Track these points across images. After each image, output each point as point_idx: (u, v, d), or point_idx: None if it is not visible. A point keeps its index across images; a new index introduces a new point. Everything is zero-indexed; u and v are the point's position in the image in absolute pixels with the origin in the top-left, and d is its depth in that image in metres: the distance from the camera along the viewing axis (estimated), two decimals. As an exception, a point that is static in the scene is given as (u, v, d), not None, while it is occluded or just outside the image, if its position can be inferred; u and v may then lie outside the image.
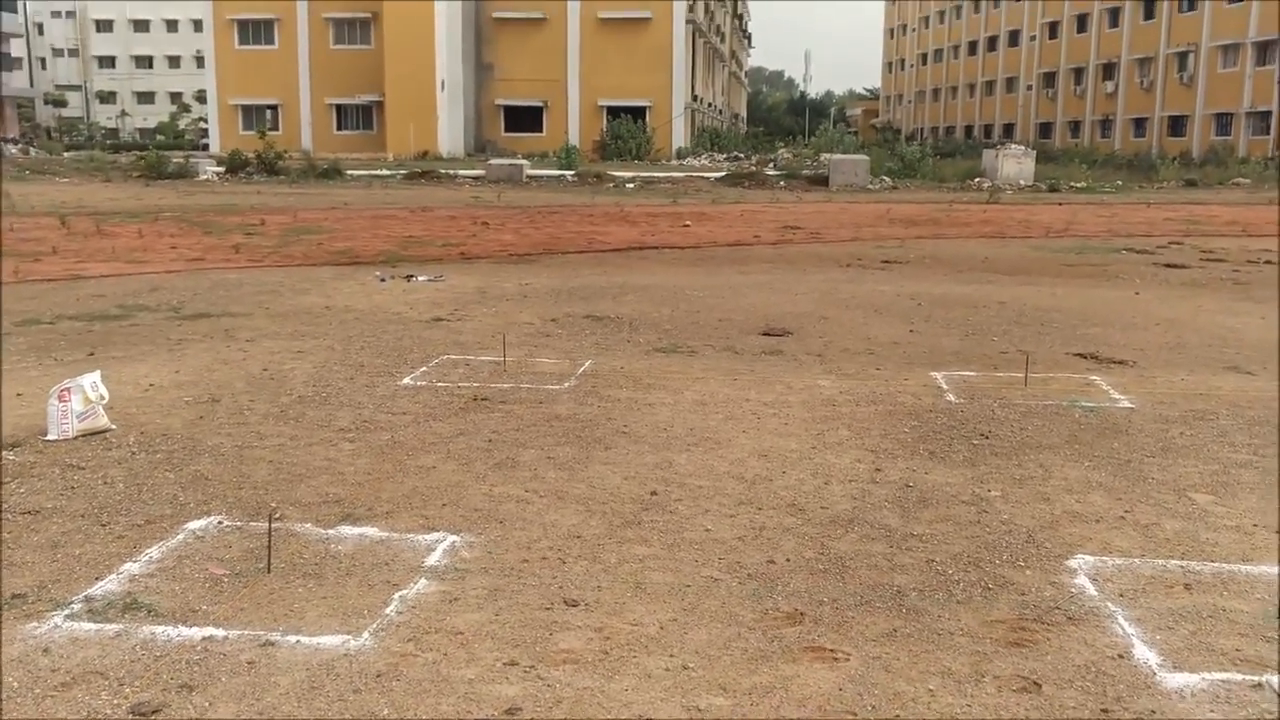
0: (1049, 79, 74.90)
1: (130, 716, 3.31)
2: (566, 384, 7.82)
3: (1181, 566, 4.55)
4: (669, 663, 3.69)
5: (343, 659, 3.69)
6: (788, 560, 4.59)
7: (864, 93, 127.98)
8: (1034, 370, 8.18)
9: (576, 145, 48.75)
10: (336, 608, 4.09)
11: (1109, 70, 67.57)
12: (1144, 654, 3.78)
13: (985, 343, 9.59)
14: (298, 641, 3.80)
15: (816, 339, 9.68)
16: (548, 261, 16.01)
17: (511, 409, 7.07)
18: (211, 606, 4.09)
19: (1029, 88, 77.24)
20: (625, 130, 53.63)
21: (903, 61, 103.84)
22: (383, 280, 13.40)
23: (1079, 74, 71.31)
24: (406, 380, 7.90)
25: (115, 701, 3.40)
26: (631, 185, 35.32)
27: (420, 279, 13.55)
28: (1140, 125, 64.37)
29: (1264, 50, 54.77)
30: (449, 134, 55.47)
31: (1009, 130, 76.28)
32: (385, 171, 39.94)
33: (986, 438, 6.46)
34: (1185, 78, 59.96)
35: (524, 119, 58.58)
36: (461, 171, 38.91)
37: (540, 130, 57.86)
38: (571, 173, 39.04)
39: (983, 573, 4.48)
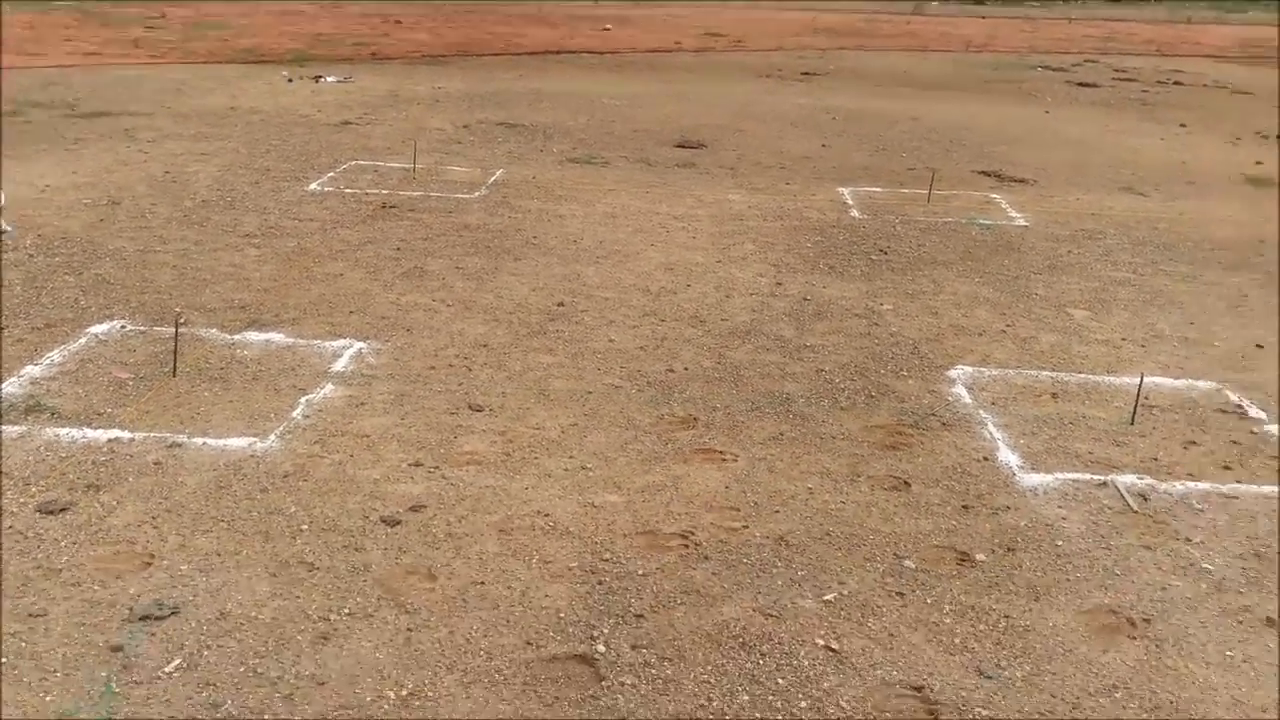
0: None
1: (37, 514, 3.42)
2: (477, 193, 7.82)
3: (1052, 377, 4.83)
4: (568, 464, 3.89)
5: (249, 460, 3.82)
6: (686, 369, 4.78)
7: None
8: (938, 187, 8.34)
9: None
10: (243, 411, 4.20)
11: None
12: (1006, 457, 4.06)
13: (894, 159, 9.71)
14: (204, 444, 3.92)
15: (730, 152, 9.72)
16: (462, 64, 15.64)
17: (420, 217, 7.08)
18: (116, 409, 4.17)
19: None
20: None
21: None
22: (290, 81, 13.02)
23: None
24: (313, 186, 7.84)
25: (21, 500, 3.51)
26: (552, -16, 34.13)
27: (329, 80, 13.20)
28: (1070, -65, 63.28)
29: None
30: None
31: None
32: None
33: (885, 253, 6.66)
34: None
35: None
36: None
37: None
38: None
39: (868, 381, 4.72)
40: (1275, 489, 3.87)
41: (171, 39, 17.02)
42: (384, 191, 7.72)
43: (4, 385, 4.31)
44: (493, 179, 8.29)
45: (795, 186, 8.46)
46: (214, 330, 4.97)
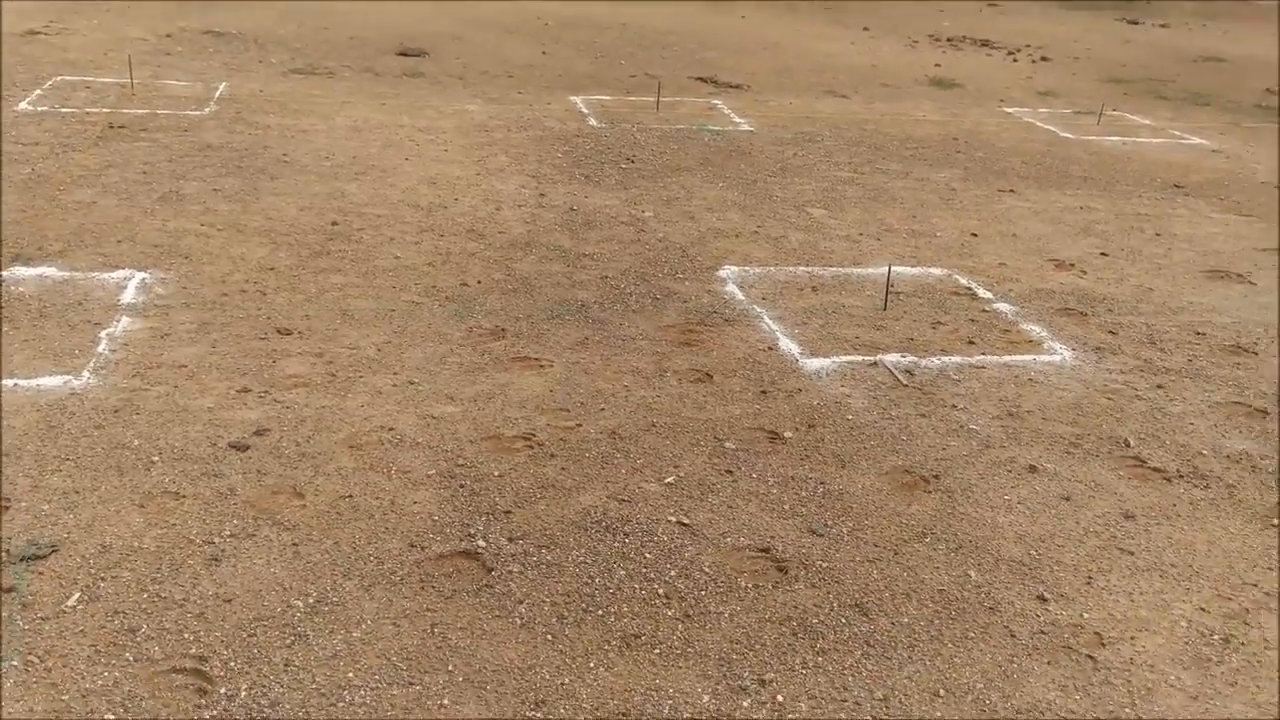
0: None
1: None
2: (207, 109, 7.56)
3: (808, 272, 5.38)
4: (395, 380, 4.05)
5: (72, 398, 3.76)
6: (479, 282, 4.99)
7: None
8: (662, 95, 8.76)
9: None
10: (44, 350, 4.08)
11: None
12: (788, 345, 4.56)
13: (614, 66, 10.06)
14: (15, 385, 3.81)
15: (454, 60, 9.76)
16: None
17: (156, 138, 6.81)
18: (-98, 356, 3.96)
19: None
20: None
21: None
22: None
23: None
24: (24, 105, 7.34)
25: None
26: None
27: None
28: None
29: None
30: None
31: None
32: None
33: (632, 161, 7.02)
34: None
35: None
36: None
37: None
38: None
39: (650, 285, 5.09)
40: (1012, 358, 4.55)
41: None
42: (105, 110, 7.34)
43: None
44: (218, 93, 8.02)
45: (528, 96, 8.65)
46: (-24, 267, 4.71)
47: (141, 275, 4.78)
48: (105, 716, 2.48)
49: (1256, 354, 4.78)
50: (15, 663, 2.60)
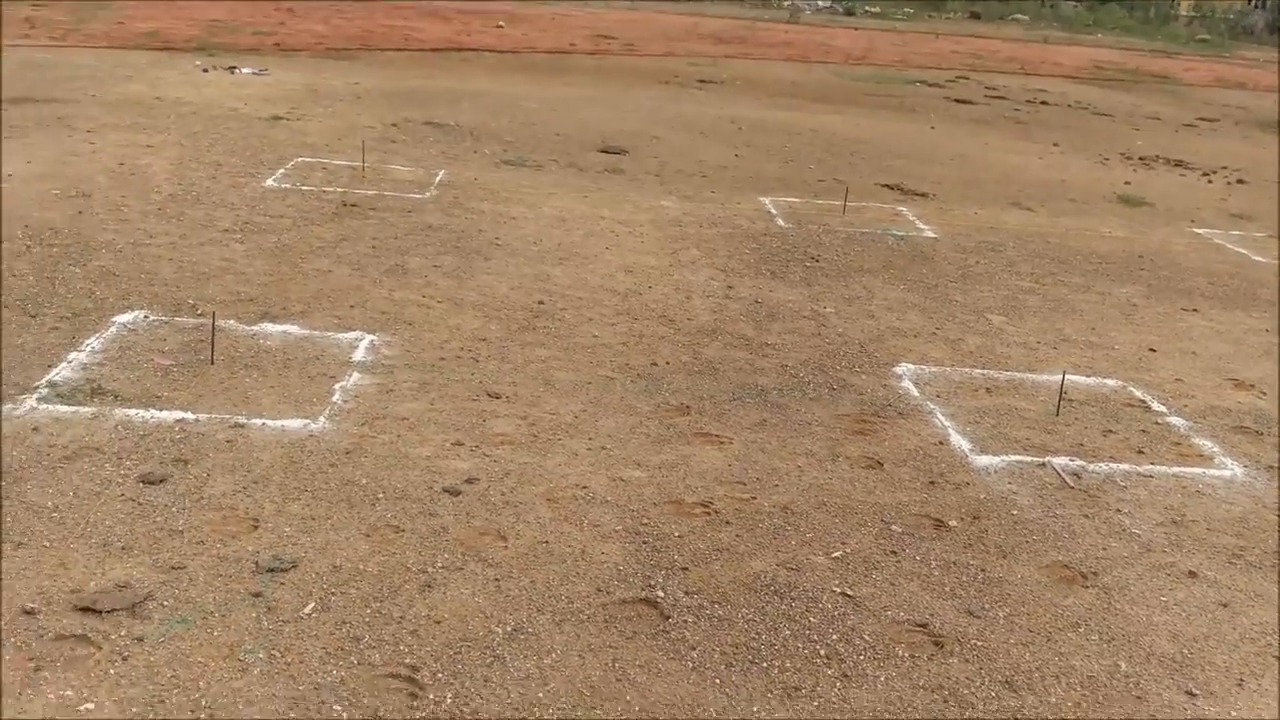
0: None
1: (141, 484, 3.83)
2: (428, 193, 8.26)
3: (983, 374, 5.59)
4: (589, 444, 4.45)
5: (310, 439, 4.28)
6: (667, 363, 5.38)
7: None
8: (849, 200, 9.11)
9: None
10: (287, 396, 4.64)
11: (905, -109, 68.37)
12: (958, 441, 4.78)
13: (804, 170, 10.47)
14: (264, 424, 4.36)
15: (651, 159, 10.34)
16: (368, 59, 15.90)
17: (384, 216, 7.50)
18: (172, 393, 4.57)
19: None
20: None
21: None
22: (205, 71, 13.15)
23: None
24: (270, 182, 8.17)
25: (121, 472, 3.91)
26: (434, -23, 34.24)
27: (245, 71, 13.36)
28: (930, -50, 65.86)
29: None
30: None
31: (806, -56, 76.56)
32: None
33: (817, 260, 7.37)
34: (976, -94, 61.45)
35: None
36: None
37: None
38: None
39: (828, 376, 5.39)
40: (1181, 470, 4.67)
41: (64, 19, 16.83)
42: (339, 189, 8.11)
43: (57, 371, 4.65)
44: (438, 179, 8.74)
45: (720, 195, 9.12)
46: (232, 321, 5.35)
47: (370, 337, 5.35)
48: (333, 706, 2.89)
49: None
50: (260, 654, 3.04)
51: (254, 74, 13.28)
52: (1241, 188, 11.75)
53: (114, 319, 5.28)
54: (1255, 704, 3.20)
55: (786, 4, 34.80)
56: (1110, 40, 35.16)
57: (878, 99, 16.24)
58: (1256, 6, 49.98)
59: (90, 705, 2.81)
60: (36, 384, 4.53)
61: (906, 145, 12.38)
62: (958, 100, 16.81)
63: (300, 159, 9.00)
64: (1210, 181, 11.88)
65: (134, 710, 2.80)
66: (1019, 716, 3.07)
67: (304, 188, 8.08)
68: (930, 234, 8.36)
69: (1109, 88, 20.81)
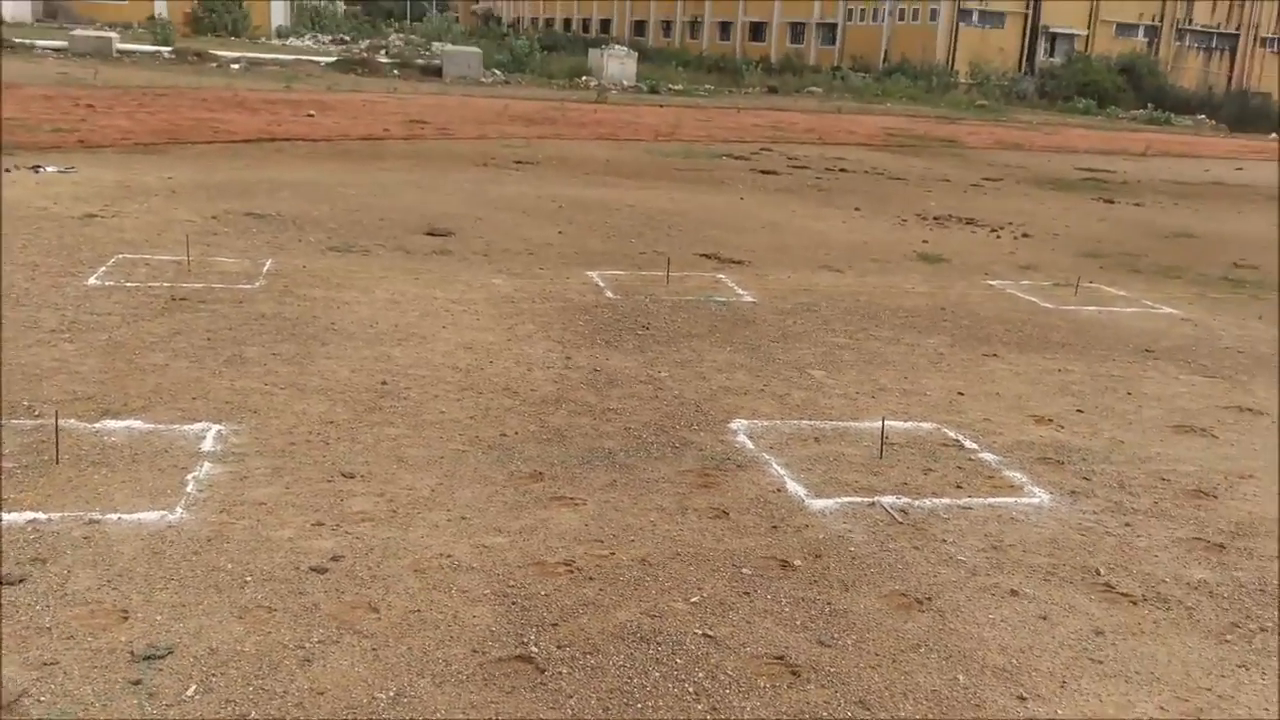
0: (643, -22, 77.93)
1: (2, 586, 3.79)
2: (257, 284, 8.27)
3: (810, 425, 5.96)
4: (449, 515, 4.59)
5: (169, 529, 4.29)
6: (516, 433, 5.57)
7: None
8: (671, 270, 9.51)
9: (167, 17, 45.70)
10: (139, 490, 4.63)
11: (698, -26, 71.33)
12: (795, 488, 5.11)
13: (625, 244, 10.87)
14: (119, 518, 4.35)
15: (477, 239, 10.56)
16: (178, 152, 15.71)
17: (215, 308, 7.49)
18: (19, 494, 4.50)
19: (625, -14, 79.97)
20: (221, 4, 50.71)
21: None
22: (7, 171, 12.77)
23: (670, -24, 74.72)
24: (92, 280, 8.04)
25: (-25, 576, 3.85)
26: (237, 67, 33.94)
27: (49, 169, 13.05)
28: (725, 29, 68.71)
29: (831, -33, 60.03)
30: (13, -4, 49.99)
31: (606, 26, 78.76)
32: (-58, 38, 35.74)
33: (647, 329, 7.69)
34: (764, -13, 64.61)
35: (102, -15, 53.81)
36: (40, 42, 35.60)
37: (122, -2, 53.46)
38: (169, 49, 36.84)
39: (669, 436, 5.67)
40: (995, 500, 5.11)
41: None
42: (166, 284, 8.05)
43: (-109, 479, 4.53)
44: (265, 269, 8.75)
45: (549, 271, 9.40)
46: (73, 420, 5.29)
47: (217, 427, 5.36)
48: (229, 783, 2.95)
49: (1216, 497, 5.33)
50: (149, 741, 3.08)
51: (60, 172, 12.97)
52: (1027, 240, 12.73)
53: (-55, 425, 5.15)
54: (1078, 703, 3.57)
55: (593, 84, 35.76)
56: (899, 108, 37.37)
57: (688, 173, 16.91)
58: (1026, 73, 53.80)
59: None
60: None
61: (719, 216, 12.96)
62: (763, 171, 17.64)
63: (121, 255, 8.88)
64: (999, 236, 12.83)
65: (23, 806, 2.80)
66: (873, 730, 3.35)
67: (128, 284, 7.99)
68: (749, 298, 8.81)
69: (901, 153, 22.15)
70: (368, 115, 22.65)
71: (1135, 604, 4.25)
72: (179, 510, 4.46)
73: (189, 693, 3.29)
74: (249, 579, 3.96)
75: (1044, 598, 4.24)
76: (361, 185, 13.33)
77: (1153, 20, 59.89)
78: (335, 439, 5.34)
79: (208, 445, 5.15)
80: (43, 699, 3.22)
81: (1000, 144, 27.23)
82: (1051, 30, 57.75)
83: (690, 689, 3.50)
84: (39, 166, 13.15)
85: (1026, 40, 57.07)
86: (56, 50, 34.11)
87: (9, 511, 4.34)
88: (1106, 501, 5.19)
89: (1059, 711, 3.51)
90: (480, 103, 27.97)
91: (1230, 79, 60.15)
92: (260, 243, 9.77)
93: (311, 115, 21.89)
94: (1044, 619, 4.08)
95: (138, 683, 3.32)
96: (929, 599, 4.17)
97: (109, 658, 3.43)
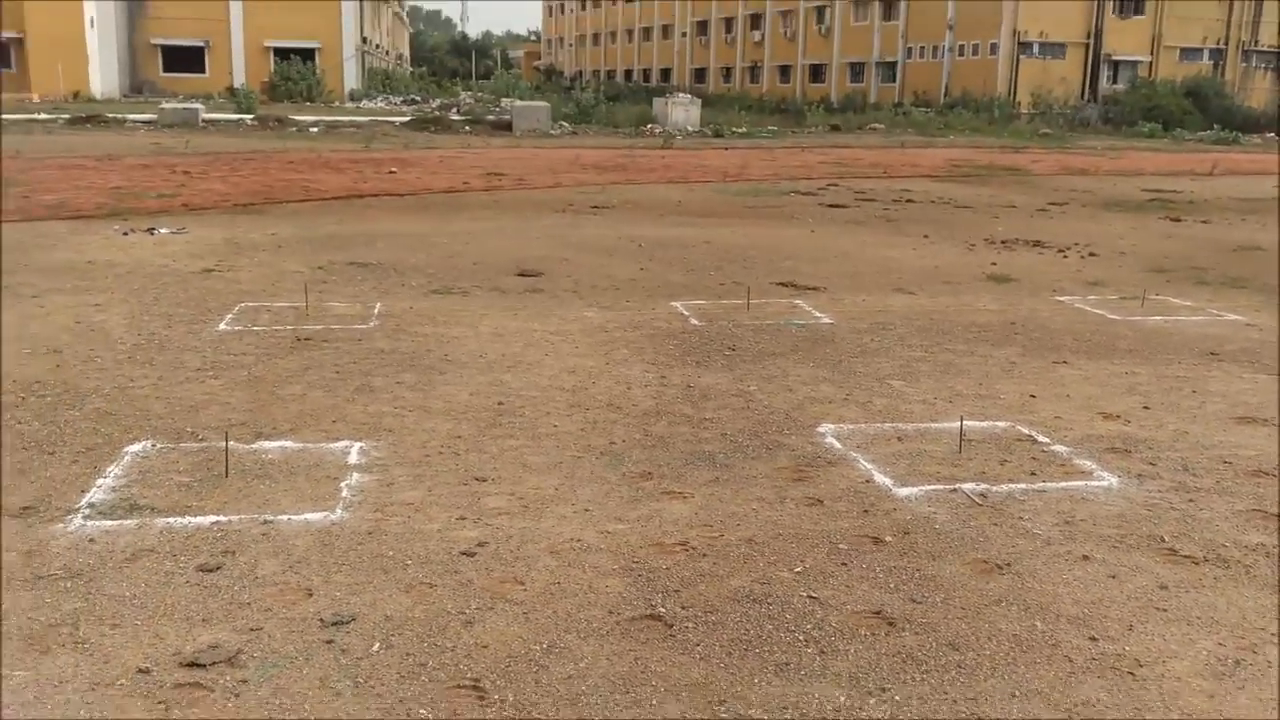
0: (702, 26, 79.33)
1: (200, 572, 4.44)
2: (371, 324, 8.98)
3: (893, 427, 6.47)
4: (574, 509, 5.18)
5: (333, 526, 4.92)
6: (623, 441, 6.15)
7: (524, 35, 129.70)
8: (751, 298, 10.08)
9: (246, 86, 47.62)
10: (301, 496, 5.28)
11: (756, 20, 72.49)
12: (882, 479, 5.62)
13: (705, 276, 11.46)
14: (289, 519, 4.99)
15: (566, 278, 11.22)
16: (276, 211, 16.63)
17: (338, 346, 8.19)
18: (199, 502, 5.17)
19: (684, 34, 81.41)
20: (295, 72, 52.69)
21: (563, 5, 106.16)
22: (125, 234, 13.73)
23: (729, 23, 76.00)
24: (223, 326, 8.80)
25: (180, 565, 4.51)
26: (316, 130, 35.31)
27: (163, 231, 13.98)
28: (785, 72, 69.68)
29: (889, 7, 60.69)
30: (102, 74, 52.46)
31: (666, 74, 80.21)
32: (44, 115, 37.70)
33: (733, 350, 8.25)
34: (823, 29, 65.45)
35: (184, 59, 56.27)
36: (131, 115, 37.38)
37: (203, 71, 55.83)
38: (250, 116, 38.41)
39: (763, 439, 6.21)
40: (1067, 483, 5.58)
41: (-30, 199, 17.23)
42: (289, 327, 8.78)
43: (91, 495, 5.22)
44: (376, 311, 9.46)
45: (635, 303, 10.01)
46: (232, 442, 5.97)
47: (359, 444, 6.01)
48: (419, 711, 3.53)
49: (1275, 476, 5.74)
50: (347, 682, 3.68)
51: (173, 233, 13.90)
52: (1094, 259, 13.11)
53: (125, 449, 5.86)
54: (1144, 641, 4.03)
55: (659, 131, 36.61)
56: (962, 140, 37.71)
57: (759, 210, 17.51)
58: (1089, 101, 53.80)
59: (220, 730, 3.41)
60: (77, 506, 5.09)
61: (792, 248, 13.51)
62: (831, 205, 18.18)
63: (243, 304, 9.65)
64: (1066, 257, 13.22)
65: (258, 730, 3.41)
66: (962, 666, 3.84)
67: (255, 328, 8.73)
68: (827, 320, 9.34)
69: (966, 183, 22.55)
70: (446, 170, 23.60)
71: (1197, 564, 4.70)
72: (339, 510, 5.09)
73: (374, 649, 3.89)
74: (409, 562, 4.57)
75: (1113, 561, 4.71)
76: (450, 234, 14.09)
77: (1217, 43, 59.69)
78: (464, 450, 5.96)
79: (353, 459, 5.79)
80: (255, 655, 3.84)
81: (1065, 170, 27.49)
82: (1114, 58, 57.79)
83: (800, 637, 4.03)
84: (154, 229, 14.09)
85: (1089, 69, 57.17)
86: (146, 122, 35.77)
87: (195, 515, 5.00)
88: (1171, 482, 5.63)
89: (1126, 648, 3.98)
90: (552, 153, 28.88)
91: (1300, 96, 59.62)
92: (367, 288, 10.51)
93: (394, 172, 22.87)
94: (1113, 577, 4.55)
95: (330, 642, 3.92)
96: (1008, 564, 4.65)
97: (303, 624, 4.05)
